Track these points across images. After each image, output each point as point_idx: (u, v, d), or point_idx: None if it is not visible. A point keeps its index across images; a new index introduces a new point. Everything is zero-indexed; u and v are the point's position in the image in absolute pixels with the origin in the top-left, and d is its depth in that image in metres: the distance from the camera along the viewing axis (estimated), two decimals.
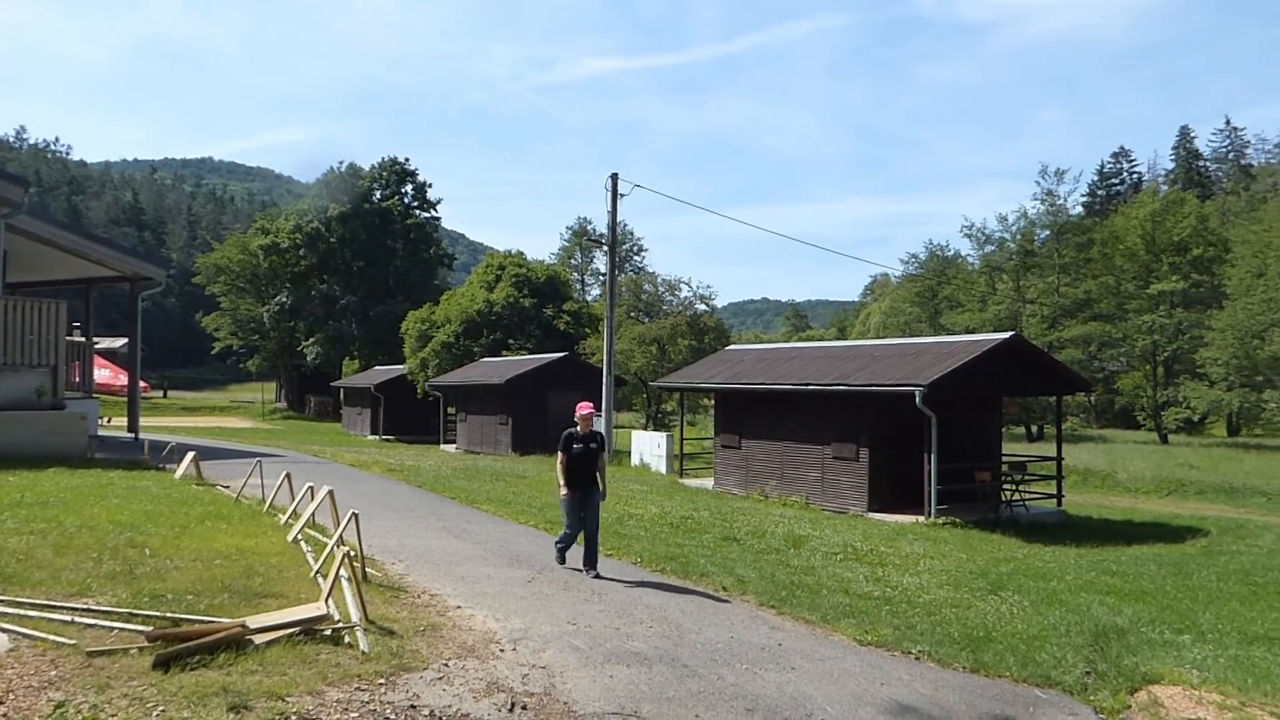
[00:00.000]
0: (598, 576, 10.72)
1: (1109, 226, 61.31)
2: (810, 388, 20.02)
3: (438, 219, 78.62)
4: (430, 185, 77.25)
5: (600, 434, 11.14)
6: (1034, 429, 54.72)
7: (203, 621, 7.08)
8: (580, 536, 11.18)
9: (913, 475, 18.89)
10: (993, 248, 61.38)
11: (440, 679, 6.77)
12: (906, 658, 8.28)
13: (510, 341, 48.41)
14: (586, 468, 10.92)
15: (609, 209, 31.16)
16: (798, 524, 16.85)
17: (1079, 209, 72.52)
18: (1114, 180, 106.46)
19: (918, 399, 17.51)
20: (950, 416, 18.57)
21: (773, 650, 8.20)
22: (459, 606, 9.17)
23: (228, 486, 18.24)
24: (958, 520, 18.05)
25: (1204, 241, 56.64)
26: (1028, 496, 20.74)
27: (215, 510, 13.21)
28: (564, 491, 10.87)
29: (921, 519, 18.04)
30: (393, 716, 5.88)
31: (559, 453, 10.87)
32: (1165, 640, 9.28)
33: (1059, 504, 21.05)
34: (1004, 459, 21.70)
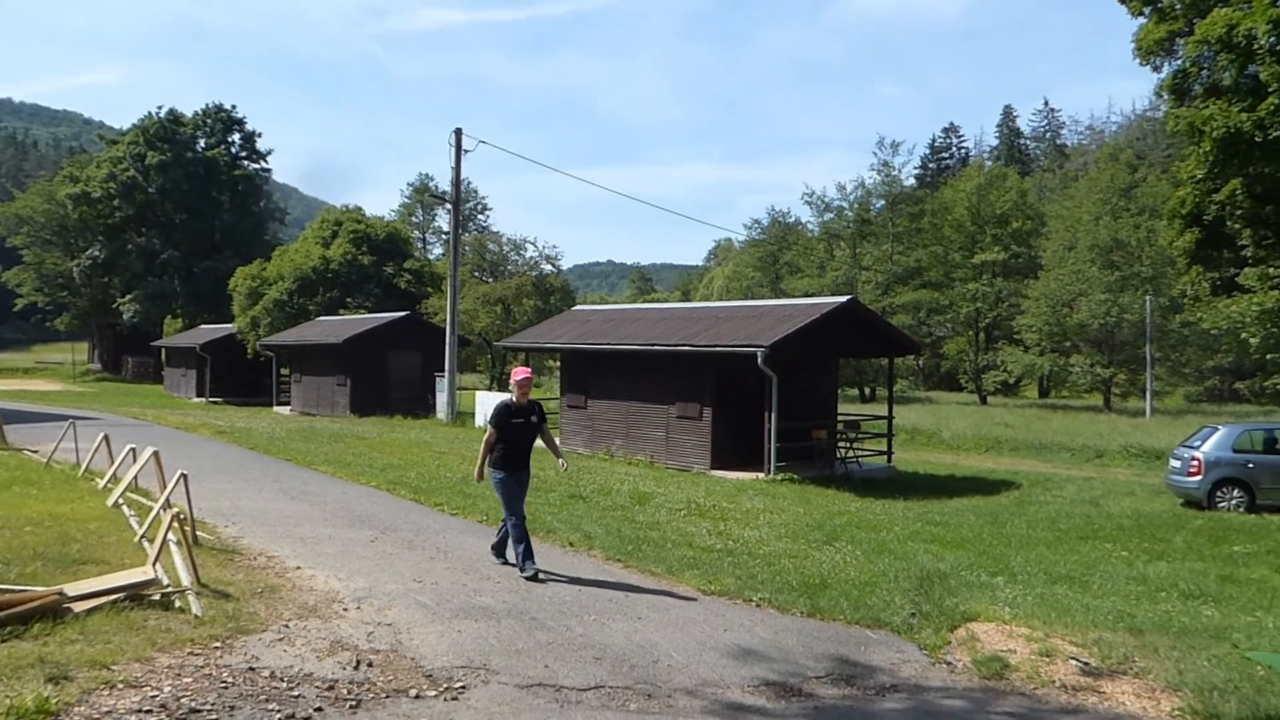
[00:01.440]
0: (535, 576, 8.80)
1: (939, 198, 64.60)
2: (656, 348, 20.27)
3: (268, 171, 74.70)
4: (260, 135, 73.19)
5: (540, 404, 9.37)
6: (867, 390, 57.31)
7: (13, 591, 6.58)
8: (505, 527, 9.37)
9: (754, 434, 19.45)
10: (832, 215, 63.57)
11: (280, 640, 6.54)
12: (748, 605, 8.55)
13: (348, 300, 46.83)
14: (526, 445, 9.17)
15: (452, 165, 30.47)
16: (643, 481, 17.10)
17: (912, 181, 75.91)
18: (944, 154, 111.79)
19: (760, 360, 18.00)
20: (790, 377, 19.18)
21: (620, 602, 8.31)
22: (298, 568, 8.88)
23: (36, 451, 16.99)
24: (796, 476, 18.73)
25: (1023, 215, 60.49)
26: (861, 454, 21.72)
27: (23, 476, 12.30)
28: (497, 474, 9.01)
29: (762, 476, 18.63)
30: (230, 680, 5.65)
31: (489, 427, 9.06)
32: (982, 582, 9.92)
33: (889, 460, 22.15)
34: (839, 418, 22.63)
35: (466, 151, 30.34)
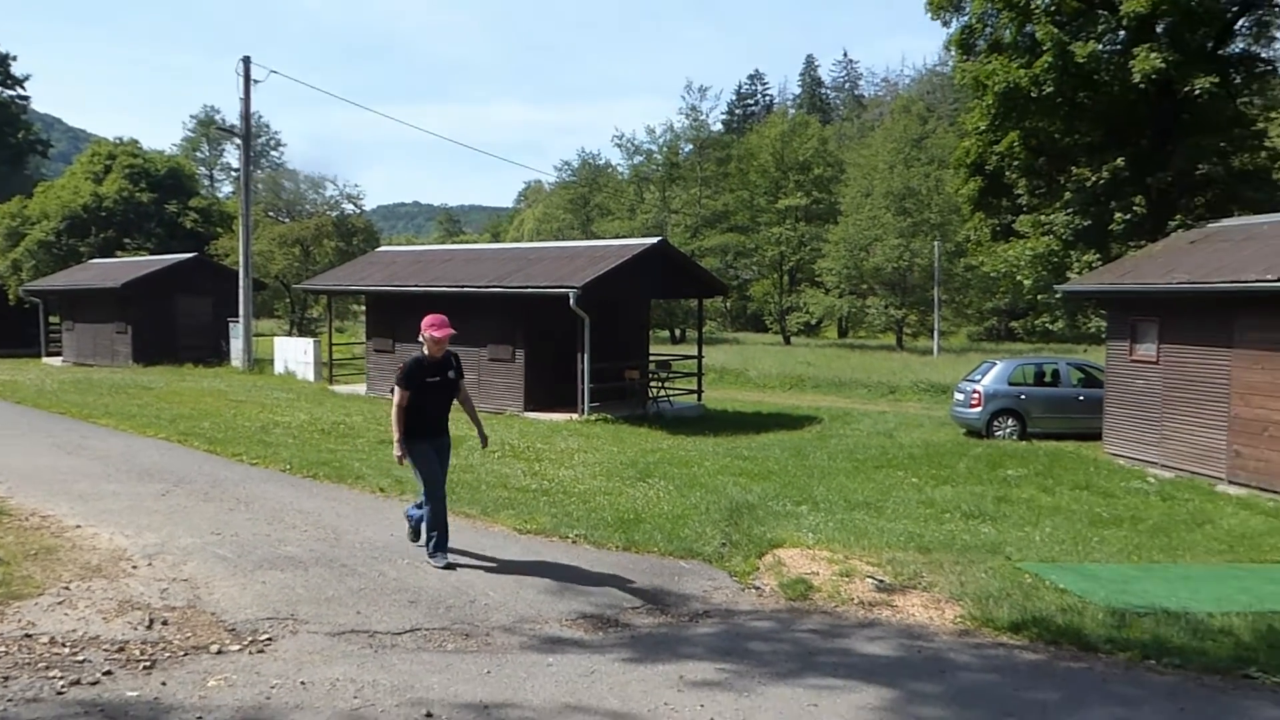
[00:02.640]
0: (450, 567, 7.44)
1: (745, 144, 66.18)
2: (466, 290, 19.86)
3: (26, 99, 67.50)
4: (14, 59, 65.97)
5: (457, 356, 7.93)
6: (678, 331, 58.51)
7: None
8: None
9: (567, 375, 19.47)
10: (641, 159, 64.01)
11: (60, 604, 6.03)
12: (564, 542, 8.58)
13: (126, 241, 43.24)
14: (444, 406, 7.75)
15: (241, 96, 28.51)
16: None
17: (719, 126, 77.41)
18: (750, 101, 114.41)
19: (572, 301, 17.97)
20: (602, 318, 19.27)
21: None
22: (78, 526, 8.21)
23: None
24: (609, 416, 18.94)
25: (824, 162, 62.90)
26: (672, 393, 22.19)
27: None
28: (412, 445, 7.52)
29: (576, 416, 18.72)
30: (3, 649, 5.15)
31: (397, 388, 7.47)
32: (787, 511, 10.37)
33: (699, 399, 22.74)
34: (651, 359, 23.00)
35: (257, 82, 28.46)
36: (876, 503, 11.32)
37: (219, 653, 5.41)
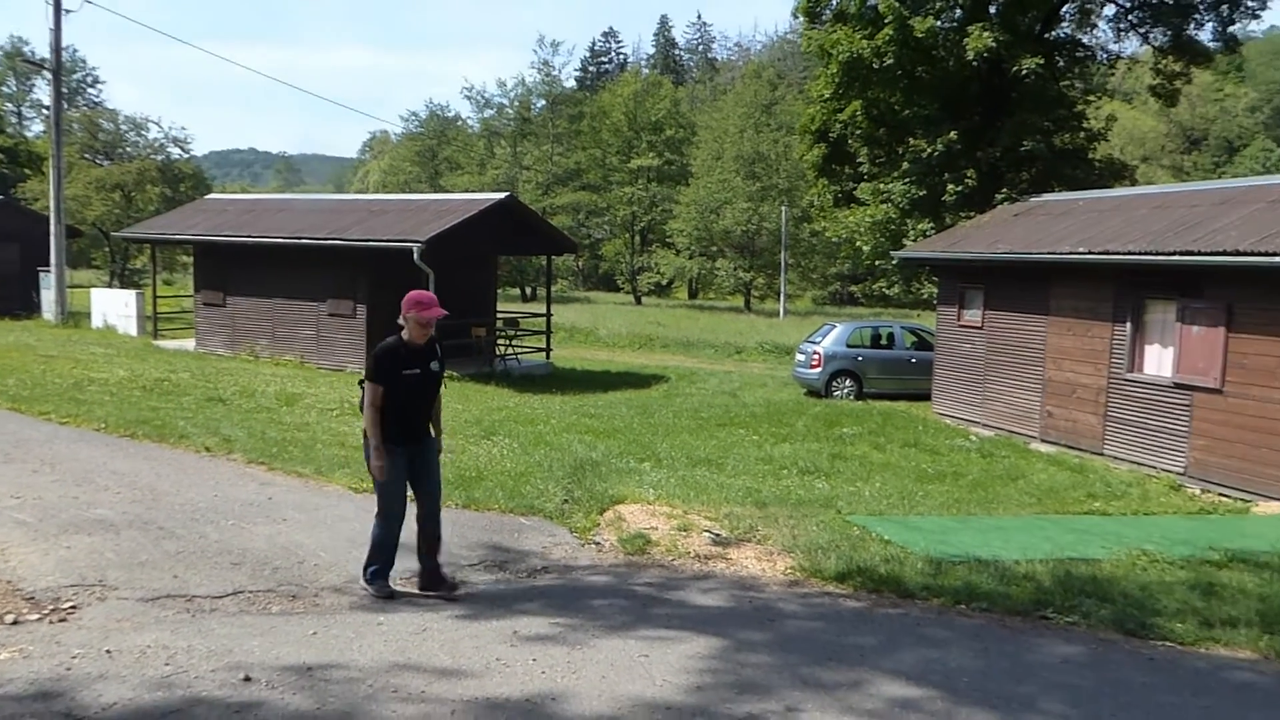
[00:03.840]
0: (452, 593, 5.99)
1: (598, 102, 65.77)
2: (304, 242, 19.04)
3: None
4: None
5: (439, 344, 6.19)
6: (528, 290, 58.06)
7: None
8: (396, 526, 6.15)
9: None
10: (492, 112, 62.85)
11: None
12: None
13: None
14: (425, 405, 6.10)
15: (51, 26, 26.18)
16: (291, 382, 16.19)
17: (572, 83, 76.60)
18: (604, 59, 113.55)
19: (416, 255, 17.49)
20: (448, 274, 18.84)
21: (262, 505, 7.83)
22: None
23: None
24: (455, 374, 18.60)
25: (676, 124, 63.26)
26: (520, 351, 22.00)
27: None
28: (381, 453, 5.86)
29: None
30: None
31: (372, 383, 5.81)
32: (630, 468, 10.46)
33: (547, 357, 22.64)
34: (499, 316, 22.71)
35: (69, 11, 26.15)
36: (718, 459, 11.57)
37: (15, 623, 5.03)
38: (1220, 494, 11.31)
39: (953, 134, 22.00)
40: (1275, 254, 10.48)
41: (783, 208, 50.37)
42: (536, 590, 6.23)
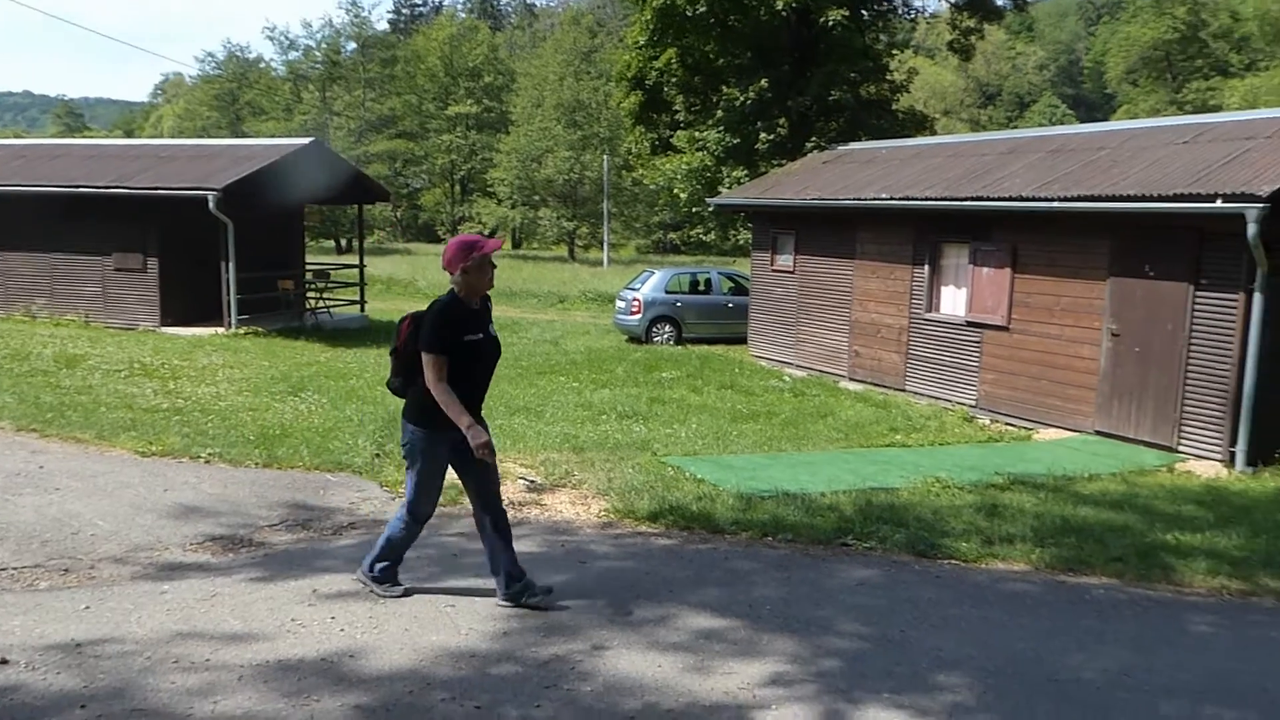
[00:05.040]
0: (532, 599, 4.88)
1: (412, 46, 63.41)
2: (83, 191, 17.47)
3: None
4: None
5: (490, 303, 5.05)
6: (342, 241, 55.80)
7: None
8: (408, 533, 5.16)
9: (211, 286, 17.83)
10: (298, 55, 59.52)
11: None
12: (196, 463, 7.88)
13: None
14: (487, 380, 4.99)
15: None
16: (74, 343, 14.92)
17: (384, 25, 73.57)
18: (418, 1, 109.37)
19: (212, 204, 16.37)
20: (250, 224, 17.77)
21: (32, 474, 7.16)
22: None
23: None
24: (261, 330, 17.67)
25: (495, 70, 61.80)
26: (333, 304, 21.12)
27: None
28: (430, 435, 4.79)
29: (221, 330, 17.26)
30: None
31: (434, 355, 4.57)
32: None
33: (362, 310, 21.83)
34: (308, 268, 21.68)
35: None
36: (537, 407, 11.47)
37: None
38: (1007, 424, 12.13)
39: (764, 83, 22.42)
40: (1053, 200, 11.22)
41: (605, 156, 50.26)
42: (340, 547, 5.98)
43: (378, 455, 8.41)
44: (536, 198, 54.07)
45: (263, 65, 64.56)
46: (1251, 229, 9.10)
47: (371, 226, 54.90)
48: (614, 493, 7.18)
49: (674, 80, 24.57)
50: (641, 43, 24.31)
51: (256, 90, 61.46)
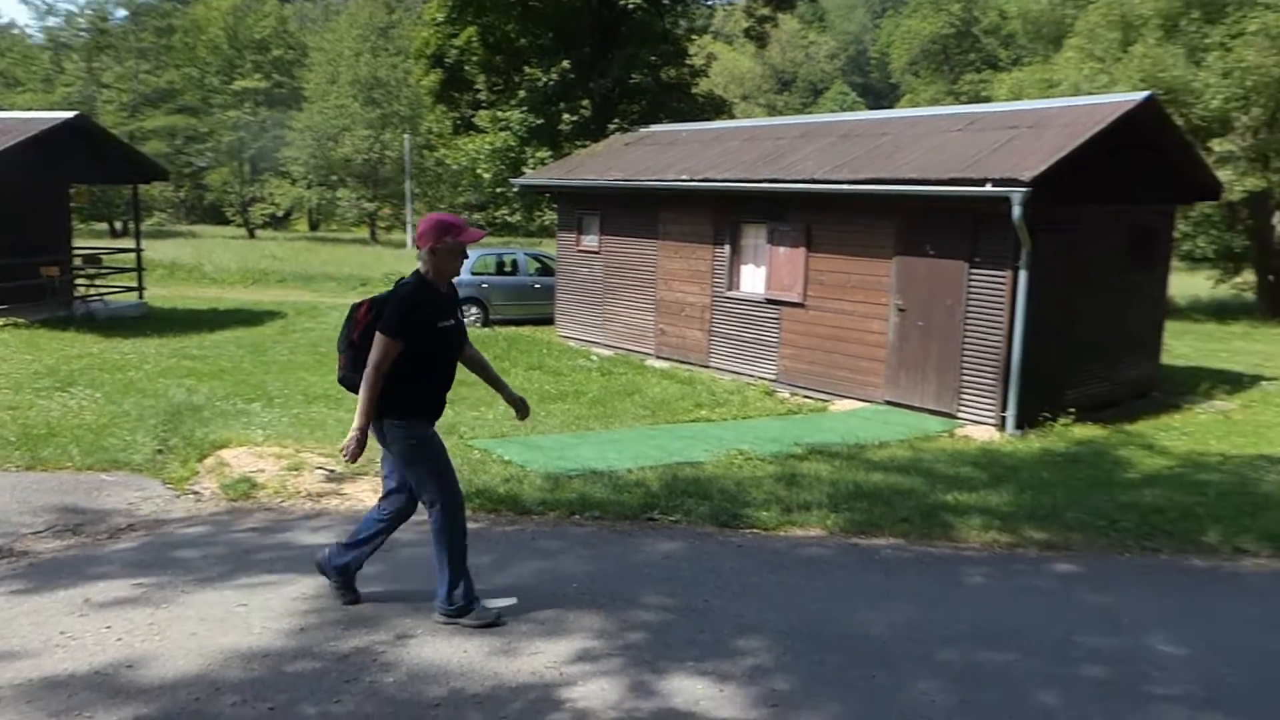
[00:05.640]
0: (498, 619, 4.46)
1: (191, 15, 59.25)
2: None
3: None
4: None
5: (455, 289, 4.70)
6: (118, 225, 51.78)
7: None
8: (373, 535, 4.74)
9: None
10: (59, 20, 54.54)
11: None
12: None
13: None
14: (453, 370, 4.63)
15: None
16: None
17: None
18: None
19: None
20: (6, 206, 16.17)
21: None
22: None
23: None
24: (23, 321, 16.13)
25: (284, 44, 58.71)
26: (106, 291, 19.54)
27: None
28: (417, 431, 4.42)
29: None
30: None
31: (389, 338, 4.20)
32: (239, 410, 9.68)
33: (140, 296, 20.30)
34: (76, 253, 19.96)
35: None
36: (337, 395, 11.01)
37: None
38: (805, 396, 12.68)
39: (566, 64, 22.43)
40: (842, 182, 11.78)
41: (405, 135, 48.85)
42: (116, 552, 5.54)
43: (160, 451, 7.86)
44: (334, 178, 51.93)
45: (16, 31, 58.71)
46: (1016, 211, 9.87)
47: (150, 208, 51.17)
48: None
49: (475, 59, 24.18)
50: (440, 20, 23.76)
51: (9, 59, 55.79)
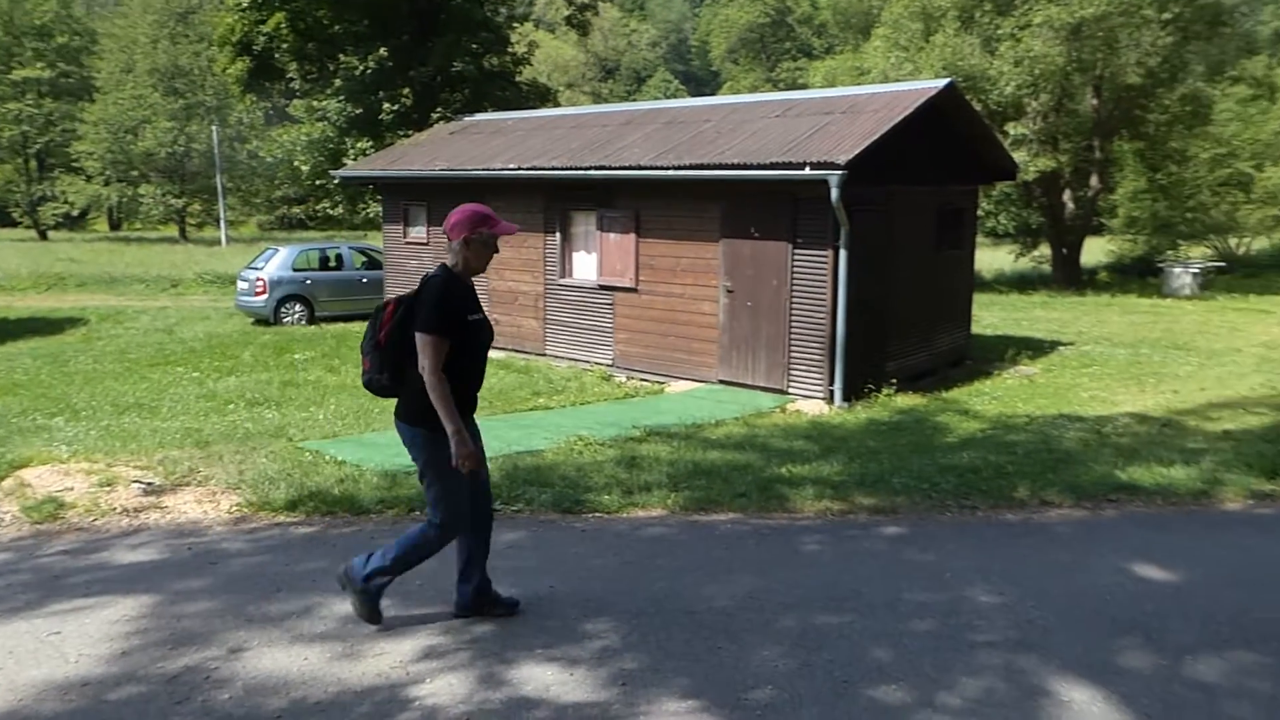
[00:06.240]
0: (512, 611, 4.49)
1: None
2: None
3: None
4: None
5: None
6: None
7: None
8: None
9: None
10: None
11: None
12: None
13: None
14: (483, 361, 4.39)
15: None
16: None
17: None
18: None
19: None
20: None
21: None
22: None
23: None
24: None
25: (70, 30, 54.35)
26: None
27: None
28: (465, 437, 4.04)
29: None
30: None
31: (437, 336, 3.99)
32: (39, 426, 9.00)
33: None
34: None
35: None
36: (151, 403, 10.41)
37: None
38: (641, 380, 12.84)
39: (384, 52, 21.81)
40: (668, 168, 11.95)
41: (213, 127, 46.31)
42: None
43: None
44: (135, 173, 48.65)
45: None
46: (834, 193, 10.28)
47: None
48: (246, 485, 6.67)
49: (285, 46, 23.11)
50: (245, 5, 22.58)
51: None
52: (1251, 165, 28.08)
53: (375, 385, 4.22)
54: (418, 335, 4.01)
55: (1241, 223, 29.61)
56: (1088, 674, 3.86)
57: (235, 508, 6.32)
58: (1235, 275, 28.16)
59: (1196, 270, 24.34)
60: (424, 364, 3.98)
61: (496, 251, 4.35)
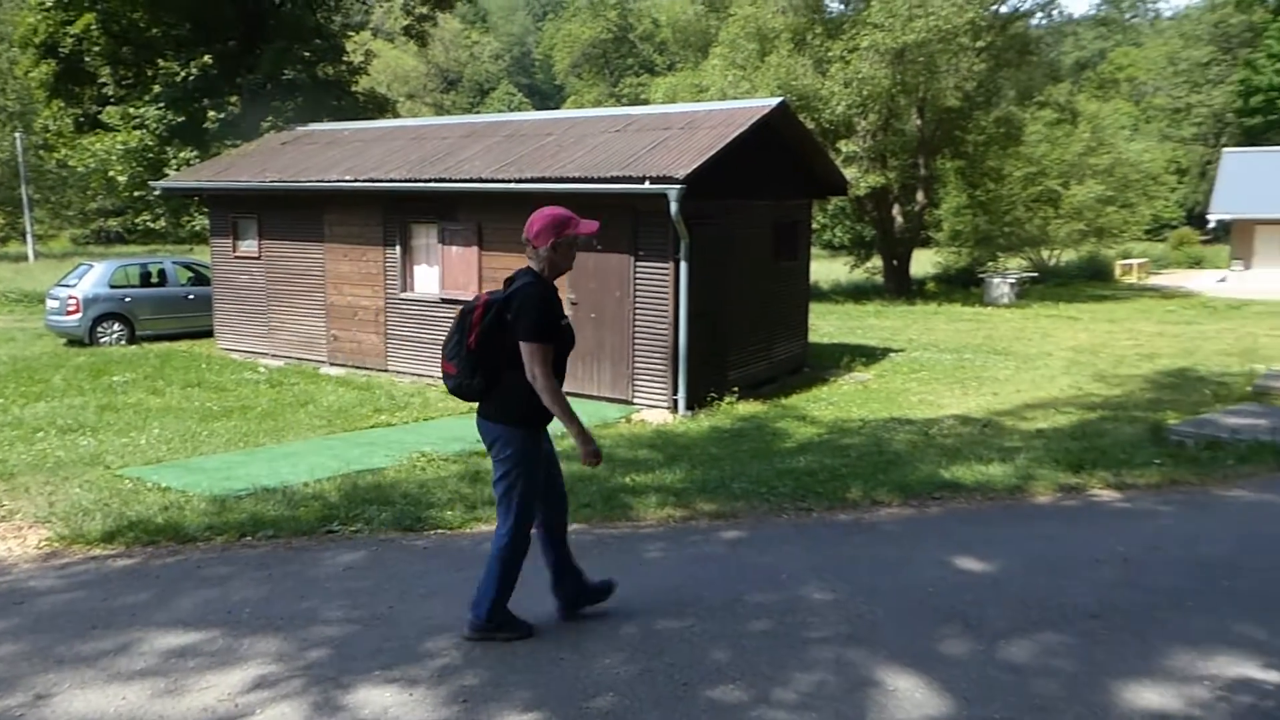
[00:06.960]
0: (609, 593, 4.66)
1: None
2: None
3: None
4: None
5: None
6: None
7: None
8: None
9: None
10: None
11: None
12: None
13: None
14: (564, 365, 4.41)
15: None
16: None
17: None
18: None
19: None
20: None
21: None
22: None
23: None
24: None
25: None
26: None
27: None
28: (519, 432, 4.21)
29: None
30: None
31: (542, 344, 4.09)
32: None
33: None
34: None
35: None
36: None
37: None
38: None
39: (208, 58, 20.84)
40: (510, 181, 11.91)
41: (17, 134, 43.04)
42: None
43: None
44: None
45: None
46: (674, 207, 10.49)
47: None
48: (57, 518, 6.23)
49: (96, 49, 21.74)
50: (49, 4, 21.12)
51: None
52: (1059, 183, 30.37)
53: (465, 390, 4.20)
54: (524, 344, 4.06)
55: (1052, 236, 31.98)
56: (912, 663, 4.05)
57: (44, 542, 5.88)
58: (1047, 285, 30.34)
59: (1013, 280, 26.08)
60: (534, 371, 4.08)
61: (566, 256, 4.31)
